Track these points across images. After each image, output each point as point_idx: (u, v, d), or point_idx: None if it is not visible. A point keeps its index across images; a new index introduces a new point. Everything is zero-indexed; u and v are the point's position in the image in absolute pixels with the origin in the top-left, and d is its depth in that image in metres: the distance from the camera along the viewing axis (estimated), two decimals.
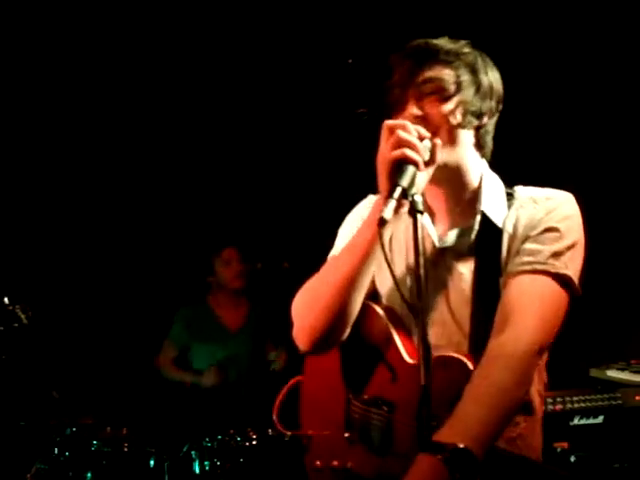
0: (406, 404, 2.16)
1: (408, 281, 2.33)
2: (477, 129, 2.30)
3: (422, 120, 2.18)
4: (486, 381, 2.06)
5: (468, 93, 2.22)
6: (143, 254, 5.90)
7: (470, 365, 2.11)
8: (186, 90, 5.48)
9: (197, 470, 4.44)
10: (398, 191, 1.95)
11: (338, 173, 2.32)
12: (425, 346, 1.90)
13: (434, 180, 2.22)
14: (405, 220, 2.14)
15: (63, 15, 5.04)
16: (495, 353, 2.11)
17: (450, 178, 2.30)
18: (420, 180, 2.07)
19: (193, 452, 4.46)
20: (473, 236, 2.29)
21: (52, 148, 5.60)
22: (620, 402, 3.94)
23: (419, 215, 1.97)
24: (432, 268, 2.27)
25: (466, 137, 2.27)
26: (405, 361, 2.24)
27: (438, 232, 2.34)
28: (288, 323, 2.45)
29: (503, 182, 2.42)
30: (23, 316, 3.47)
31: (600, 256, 4.80)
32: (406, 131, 2.07)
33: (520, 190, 2.37)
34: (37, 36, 5.13)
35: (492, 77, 2.29)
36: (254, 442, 4.45)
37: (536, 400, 2.34)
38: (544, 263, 2.19)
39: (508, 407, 2.09)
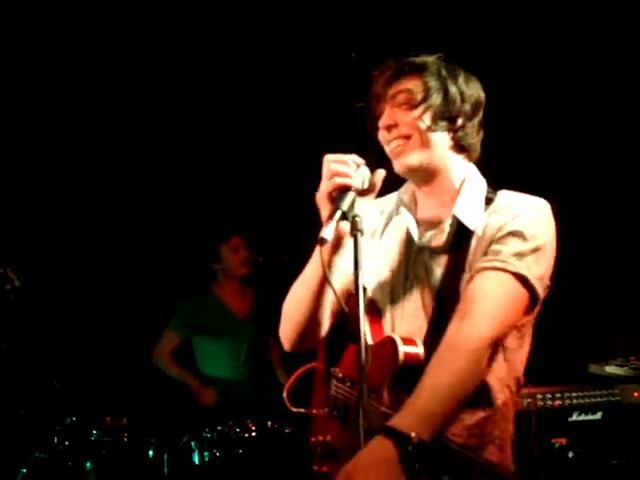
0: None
1: (390, 279, 2.53)
2: (454, 132, 2.47)
3: (396, 127, 2.43)
4: (440, 371, 2.22)
5: (436, 99, 2.41)
6: (147, 241, 5.89)
7: (399, 342, 2.32)
8: (193, 80, 5.47)
9: (196, 460, 4.46)
10: (338, 214, 2.17)
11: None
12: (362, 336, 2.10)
13: (415, 182, 2.51)
14: (395, 225, 2.53)
15: (63, 15, 5.04)
16: (449, 343, 2.26)
17: (428, 180, 2.50)
18: (361, 204, 2.30)
19: (193, 443, 4.48)
20: (444, 237, 2.45)
21: (57, 128, 5.60)
22: (619, 398, 3.95)
23: (359, 234, 2.18)
24: (412, 264, 2.49)
25: (440, 140, 2.45)
26: (367, 342, 2.38)
27: (420, 231, 2.51)
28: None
29: (492, 186, 2.54)
30: (15, 278, 3.47)
31: (599, 253, 4.86)
32: (338, 162, 2.30)
33: (501, 195, 2.49)
34: (37, 36, 5.12)
35: (462, 84, 2.47)
36: (253, 434, 4.47)
37: (497, 391, 2.40)
38: (504, 261, 2.33)
39: (459, 397, 2.23)
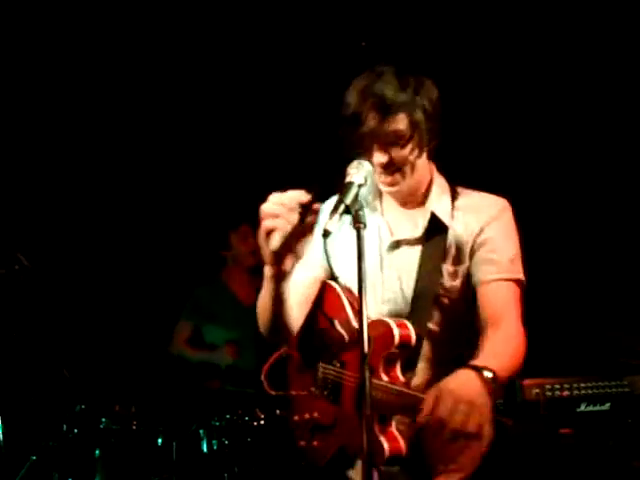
0: (353, 360, 2.70)
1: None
2: (430, 148, 2.80)
3: (389, 162, 2.69)
4: (504, 350, 2.60)
5: (422, 133, 2.68)
6: (158, 229, 5.91)
7: (393, 325, 2.62)
8: (202, 67, 5.47)
9: (205, 449, 4.47)
10: (342, 207, 2.31)
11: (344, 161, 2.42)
12: (361, 321, 2.22)
13: (392, 193, 2.81)
14: (370, 215, 2.70)
15: (63, 15, 5.07)
16: (506, 337, 2.64)
17: (407, 191, 2.82)
18: (300, 245, 2.43)
19: (201, 431, 4.48)
20: (422, 230, 2.78)
21: (68, 115, 5.62)
22: (627, 389, 3.93)
23: (361, 226, 2.30)
24: (387, 256, 2.82)
25: (423, 160, 2.78)
26: (352, 326, 2.77)
27: (393, 225, 2.85)
28: None
29: (447, 180, 2.89)
30: (23, 259, 3.50)
31: (609, 248, 4.86)
32: (273, 204, 2.48)
33: (463, 192, 2.86)
34: (37, 36, 5.17)
35: (428, 100, 2.70)
36: (262, 422, 4.47)
37: None
38: (505, 271, 2.74)
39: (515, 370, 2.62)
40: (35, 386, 4.76)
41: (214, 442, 4.44)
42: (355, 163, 2.44)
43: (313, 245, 2.62)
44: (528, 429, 3.14)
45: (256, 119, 5.72)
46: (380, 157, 2.68)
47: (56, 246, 5.61)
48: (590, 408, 3.91)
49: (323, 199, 2.65)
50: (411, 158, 2.70)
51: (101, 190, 5.79)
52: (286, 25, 5.18)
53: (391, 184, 2.76)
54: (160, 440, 4.49)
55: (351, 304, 2.82)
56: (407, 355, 2.66)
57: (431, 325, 2.76)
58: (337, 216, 2.29)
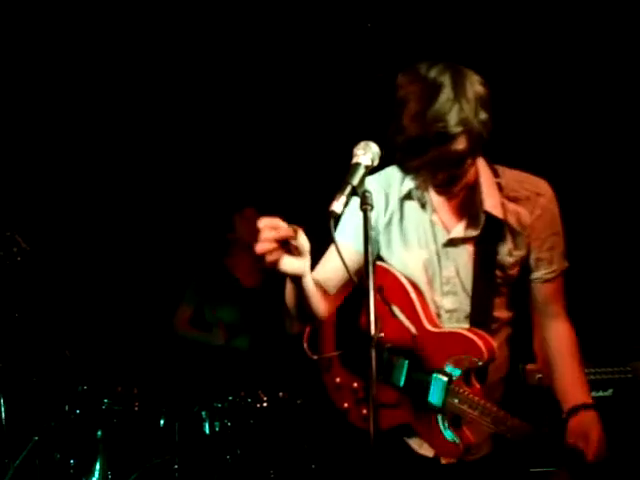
0: (419, 354, 2.77)
1: (423, 262, 2.82)
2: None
3: (446, 179, 2.65)
4: (573, 356, 2.85)
5: (479, 142, 2.60)
6: (163, 211, 5.90)
7: (481, 344, 2.66)
8: (210, 55, 5.45)
9: (207, 430, 4.48)
10: (348, 189, 2.28)
11: (353, 140, 2.37)
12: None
13: (442, 191, 2.74)
14: (415, 211, 2.80)
15: (63, 15, 5.05)
16: (561, 339, 2.86)
17: (457, 192, 2.76)
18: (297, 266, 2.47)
19: (203, 412, 4.49)
20: (479, 230, 2.75)
21: (74, 104, 5.61)
22: (630, 375, 3.93)
23: (369, 208, 2.30)
24: (445, 250, 2.79)
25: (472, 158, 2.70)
26: (425, 327, 2.78)
27: (446, 221, 2.80)
28: None
29: (489, 164, 2.82)
30: (21, 241, 3.49)
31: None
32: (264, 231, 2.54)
33: (503, 173, 2.81)
34: (37, 36, 5.15)
35: (489, 105, 2.60)
36: (264, 404, 4.48)
37: None
38: (561, 266, 2.82)
39: None
40: (37, 367, 4.75)
41: (216, 424, 4.45)
42: (362, 144, 2.38)
43: (346, 234, 2.80)
44: None
45: (259, 105, 5.70)
46: (439, 176, 2.64)
47: (57, 227, 5.61)
48: (593, 394, 3.90)
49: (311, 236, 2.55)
50: (467, 167, 2.67)
51: (106, 169, 5.78)
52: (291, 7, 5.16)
53: (446, 192, 2.74)
54: (162, 421, 4.50)
55: (419, 297, 2.83)
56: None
57: (496, 314, 2.80)
58: (343, 198, 2.27)
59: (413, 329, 2.80)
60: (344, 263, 2.42)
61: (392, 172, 2.86)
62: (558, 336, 2.85)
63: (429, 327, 2.79)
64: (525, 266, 2.80)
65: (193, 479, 4.29)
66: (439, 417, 2.69)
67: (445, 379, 2.68)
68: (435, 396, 2.70)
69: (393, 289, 2.86)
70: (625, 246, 4.92)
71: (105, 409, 4.45)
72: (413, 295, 2.83)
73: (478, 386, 2.69)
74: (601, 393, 3.93)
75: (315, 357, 3.07)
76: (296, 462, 4.37)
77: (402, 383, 2.79)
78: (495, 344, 2.68)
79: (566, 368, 2.83)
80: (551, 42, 4.92)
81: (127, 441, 4.42)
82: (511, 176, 2.81)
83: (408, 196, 2.83)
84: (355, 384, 2.96)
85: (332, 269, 2.82)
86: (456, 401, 2.65)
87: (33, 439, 4.28)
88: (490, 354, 2.66)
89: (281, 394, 4.52)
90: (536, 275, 2.82)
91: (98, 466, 4.40)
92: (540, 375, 3.82)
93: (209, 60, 5.49)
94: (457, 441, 2.67)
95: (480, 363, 2.66)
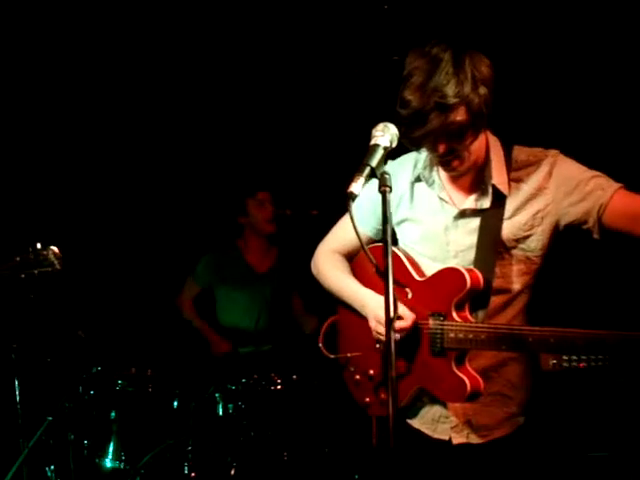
0: (418, 311, 2.82)
1: (427, 234, 2.91)
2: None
3: (448, 151, 2.68)
4: None
5: (480, 116, 2.65)
6: (176, 194, 5.90)
7: (462, 269, 2.74)
8: (224, 40, 5.45)
9: (220, 412, 4.48)
10: (367, 170, 2.33)
11: (367, 122, 2.40)
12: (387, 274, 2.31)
13: (450, 170, 2.79)
14: (424, 190, 2.90)
15: (63, 15, 5.06)
16: None
17: (465, 169, 2.80)
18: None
19: (217, 395, 4.49)
20: (489, 203, 2.80)
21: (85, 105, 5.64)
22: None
23: (387, 190, 2.33)
24: (455, 226, 2.86)
25: (480, 136, 2.75)
26: (415, 279, 2.88)
27: (456, 200, 2.87)
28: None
29: (501, 141, 2.87)
30: (56, 261, 3.48)
31: None
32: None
33: (517, 151, 2.84)
34: (37, 36, 5.16)
35: (491, 81, 2.68)
36: (278, 387, 4.48)
37: None
38: (610, 185, 2.71)
39: None
40: (51, 348, 4.77)
41: (230, 406, 4.45)
42: (381, 126, 2.42)
43: (364, 214, 2.94)
44: None
45: (272, 86, 5.68)
46: (440, 148, 2.68)
47: (70, 208, 5.62)
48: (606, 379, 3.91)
49: None
50: (469, 142, 2.70)
51: (121, 150, 5.79)
52: None
53: (451, 169, 2.79)
54: (176, 403, 4.50)
55: (411, 263, 2.92)
56: (474, 298, 2.76)
57: (507, 286, 2.82)
58: (362, 179, 2.31)
59: (409, 291, 2.88)
60: (362, 246, 2.54)
61: (405, 159, 2.96)
62: None
63: (418, 279, 2.87)
64: (572, 226, 2.76)
65: (206, 461, 4.29)
66: (444, 361, 2.75)
67: (440, 318, 2.75)
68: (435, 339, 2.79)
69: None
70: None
71: (119, 390, 4.46)
72: (404, 259, 2.92)
73: (468, 315, 2.75)
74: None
75: (332, 356, 3.13)
76: (309, 445, 4.37)
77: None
78: (479, 273, 2.74)
79: None
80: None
81: (141, 422, 4.43)
82: (523, 150, 2.86)
83: (418, 179, 2.92)
84: (371, 371, 3.01)
85: (352, 242, 3.06)
86: (452, 335, 2.72)
87: (47, 420, 4.29)
88: (474, 280, 2.72)
89: (294, 377, 4.51)
90: (591, 216, 2.72)
91: (112, 447, 4.42)
92: (554, 360, 3.81)
93: (223, 41, 5.47)
94: (464, 380, 2.70)
95: (467, 289, 2.72)
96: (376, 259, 2.42)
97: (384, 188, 2.33)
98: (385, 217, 2.31)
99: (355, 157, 2.48)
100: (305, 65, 5.51)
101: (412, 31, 4.95)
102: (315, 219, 5.16)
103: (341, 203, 2.43)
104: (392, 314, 2.25)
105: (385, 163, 2.39)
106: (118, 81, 5.59)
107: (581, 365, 3.85)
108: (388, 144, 2.40)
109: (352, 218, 2.32)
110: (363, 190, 2.36)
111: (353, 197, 2.29)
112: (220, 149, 5.88)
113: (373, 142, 2.39)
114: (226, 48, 5.51)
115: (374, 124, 2.43)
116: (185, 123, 5.84)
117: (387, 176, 2.34)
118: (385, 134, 2.41)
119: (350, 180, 2.32)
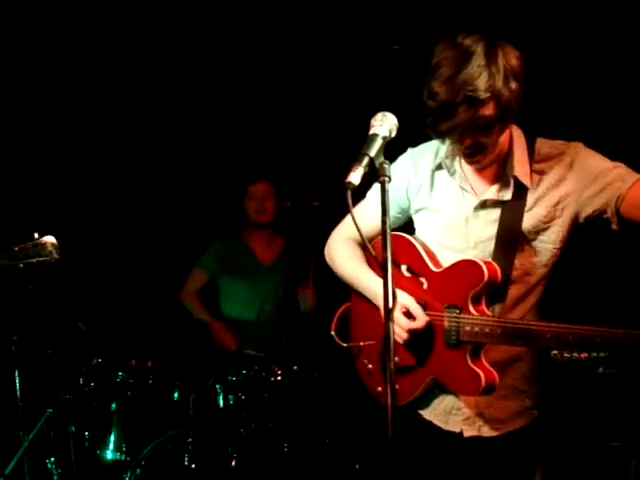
0: (433, 302, 2.81)
1: (447, 223, 2.88)
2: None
3: (474, 145, 2.65)
4: None
5: (509, 111, 2.61)
6: (181, 186, 5.90)
7: (479, 262, 2.71)
8: (227, 35, 5.44)
9: (221, 404, 4.48)
10: (366, 160, 2.31)
11: (370, 112, 2.38)
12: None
13: (472, 162, 2.77)
14: (445, 179, 2.87)
15: (63, 15, 5.06)
16: None
17: (488, 162, 2.78)
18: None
19: (218, 386, 4.49)
20: (510, 194, 2.77)
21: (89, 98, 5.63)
22: None
23: (386, 179, 2.31)
24: (476, 217, 2.83)
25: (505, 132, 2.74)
26: (431, 269, 2.86)
27: (477, 190, 2.83)
28: (317, 261, 2.82)
29: (525, 133, 2.83)
30: (54, 250, 3.48)
31: None
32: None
33: (540, 144, 2.80)
34: (37, 36, 5.16)
35: (522, 76, 2.63)
36: (278, 377, 4.47)
37: None
38: (631, 175, 2.65)
39: None
40: (52, 340, 4.77)
41: (230, 397, 4.45)
42: (379, 115, 2.39)
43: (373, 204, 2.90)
44: None
45: (273, 78, 5.67)
46: (466, 141, 2.65)
47: (71, 200, 5.62)
48: (608, 371, 3.91)
49: None
50: (496, 137, 2.67)
51: (125, 143, 5.80)
52: None
53: (474, 162, 2.76)
54: (176, 394, 4.51)
55: (427, 253, 2.90)
56: (492, 291, 2.73)
57: (525, 278, 2.79)
58: (360, 169, 2.29)
59: (424, 280, 2.87)
60: (360, 234, 2.49)
61: (427, 147, 2.94)
62: None
63: (435, 269, 2.85)
64: (594, 219, 2.72)
65: (207, 452, 4.30)
66: (459, 354, 2.73)
67: (456, 311, 2.73)
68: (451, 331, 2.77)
69: (402, 251, 2.93)
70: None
71: (119, 382, 4.47)
72: (420, 248, 2.90)
73: (484, 309, 2.72)
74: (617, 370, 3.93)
75: (344, 345, 3.10)
76: (310, 436, 4.37)
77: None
78: (497, 266, 2.72)
79: None
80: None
81: (141, 414, 4.43)
82: (546, 142, 2.81)
83: (439, 167, 2.89)
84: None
85: (367, 228, 2.92)
86: (468, 328, 2.70)
87: (47, 412, 4.29)
88: (492, 273, 2.69)
89: (295, 368, 4.51)
90: (609, 207, 2.68)
91: (112, 439, 4.43)
92: (556, 351, 3.81)
93: (222, 33, 5.46)
94: (479, 373, 2.68)
95: (484, 283, 2.69)
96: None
97: (383, 178, 2.30)
98: (384, 207, 2.29)
99: (355, 148, 2.47)
100: (304, 57, 5.49)
101: (412, 21, 4.95)
102: (316, 210, 5.15)
103: (342, 194, 2.43)
104: (390, 304, 2.23)
105: (384, 152, 2.35)
106: (118, 73, 5.58)
107: (582, 356, 3.88)
108: (387, 134, 2.38)
109: (349, 207, 2.29)
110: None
111: (351, 187, 2.26)
112: (220, 143, 5.88)
113: (372, 132, 2.37)
114: (225, 40, 5.50)
115: (373, 114, 2.40)
116: (185, 115, 5.83)
117: (386, 166, 2.32)
118: (384, 124, 2.38)
119: (348, 170, 2.29)
